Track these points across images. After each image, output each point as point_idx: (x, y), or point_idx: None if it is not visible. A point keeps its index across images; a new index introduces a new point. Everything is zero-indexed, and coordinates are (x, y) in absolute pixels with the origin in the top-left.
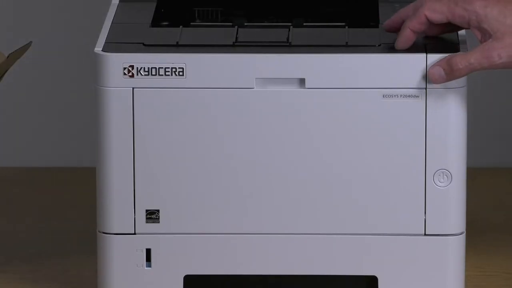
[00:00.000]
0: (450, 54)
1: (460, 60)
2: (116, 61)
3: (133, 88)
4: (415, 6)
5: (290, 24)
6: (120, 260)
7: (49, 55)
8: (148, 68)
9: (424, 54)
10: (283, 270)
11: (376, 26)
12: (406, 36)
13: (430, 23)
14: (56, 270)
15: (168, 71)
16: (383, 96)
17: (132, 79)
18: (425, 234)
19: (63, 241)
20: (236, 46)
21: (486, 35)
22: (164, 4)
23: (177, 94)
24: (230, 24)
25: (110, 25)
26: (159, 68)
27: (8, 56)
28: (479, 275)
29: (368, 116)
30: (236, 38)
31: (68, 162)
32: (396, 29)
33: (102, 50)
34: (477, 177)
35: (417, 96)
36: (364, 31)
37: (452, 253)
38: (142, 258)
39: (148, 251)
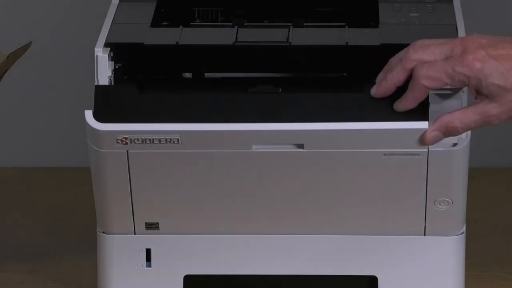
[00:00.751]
0: (445, 115)
1: (460, 124)
2: (109, 134)
3: (127, 151)
4: (403, 67)
5: (290, 24)
6: (120, 260)
7: (49, 55)
8: (142, 139)
9: (426, 122)
10: (283, 270)
11: (376, 26)
12: (411, 107)
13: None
14: (56, 270)
15: (163, 141)
16: (384, 154)
17: (126, 145)
18: (425, 235)
19: (63, 241)
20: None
21: (482, 96)
22: (164, 4)
23: (172, 155)
24: (230, 24)
25: (110, 25)
26: (153, 139)
27: (8, 56)
28: (479, 275)
29: (368, 171)
30: (236, 38)
31: (68, 162)
32: (387, 94)
33: (93, 117)
34: (477, 177)
35: (419, 155)
36: (364, 31)
37: (452, 253)
38: (142, 258)
39: (148, 251)
